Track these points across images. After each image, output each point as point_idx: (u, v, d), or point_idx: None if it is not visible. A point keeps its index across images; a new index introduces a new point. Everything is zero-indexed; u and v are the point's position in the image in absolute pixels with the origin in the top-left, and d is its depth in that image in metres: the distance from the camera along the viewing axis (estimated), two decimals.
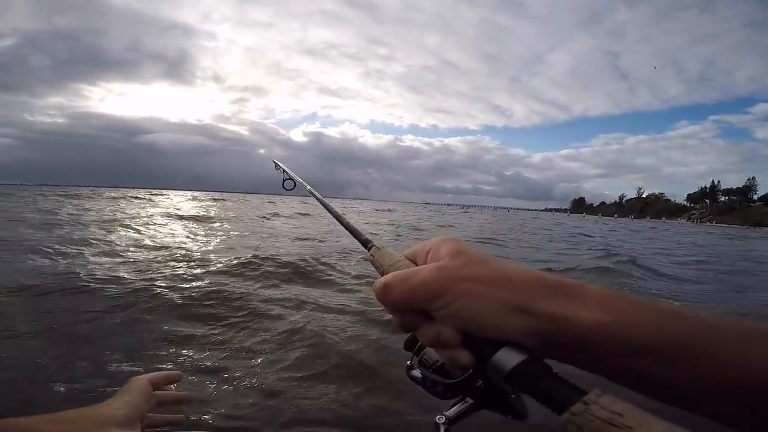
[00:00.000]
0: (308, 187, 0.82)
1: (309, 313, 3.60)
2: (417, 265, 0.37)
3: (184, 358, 2.66)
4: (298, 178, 0.90)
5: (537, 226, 25.19)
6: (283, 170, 0.96)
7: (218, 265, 5.32)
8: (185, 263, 5.57)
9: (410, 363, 0.38)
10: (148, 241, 7.64)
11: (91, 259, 5.57)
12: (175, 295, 3.84)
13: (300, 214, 19.43)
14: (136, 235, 8.56)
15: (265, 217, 16.40)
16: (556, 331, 0.29)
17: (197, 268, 5.22)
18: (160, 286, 4.08)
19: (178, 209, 19.35)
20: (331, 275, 5.24)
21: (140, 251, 6.51)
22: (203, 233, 9.91)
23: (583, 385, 0.26)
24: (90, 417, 0.57)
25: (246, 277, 4.80)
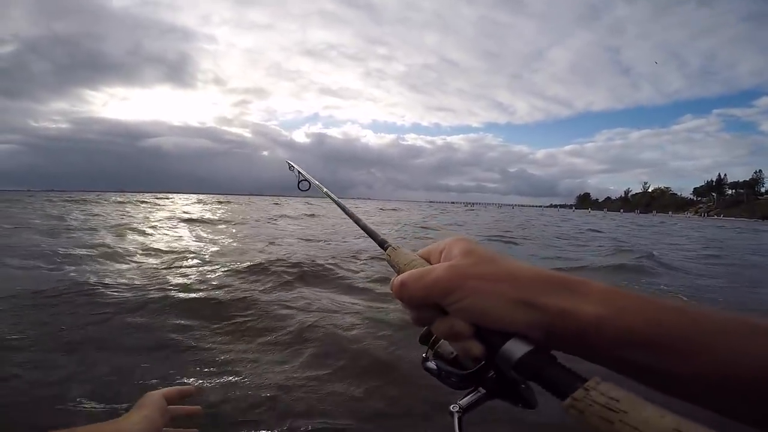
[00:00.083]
0: (324, 189, 0.82)
1: (319, 312, 3.62)
2: (431, 264, 0.39)
3: (198, 358, 2.67)
4: (313, 180, 0.90)
5: (545, 223, 25.13)
6: (298, 171, 0.96)
7: (231, 267, 5.36)
8: (199, 266, 5.61)
9: (425, 356, 0.39)
10: (161, 245, 7.71)
11: (106, 263, 5.63)
12: (188, 296, 3.87)
13: (306, 215, 19.55)
14: (147, 240, 8.65)
15: (272, 219, 16.47)
16: (559, 323, 0.31)
17: (211, 271, 5.26)
18: (173, 289, 4.11)
19: (186, 212, 19.53)
20: (339, 275, 5.27)
21: (154, 255, 6.57)
22: (215, 236, 10.00)
23: (585, 375, 0.28)
24: None
25: (257, 279, 4.83)
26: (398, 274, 0.40)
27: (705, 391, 0.28)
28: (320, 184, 0.86)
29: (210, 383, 2.35)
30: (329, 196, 0.77)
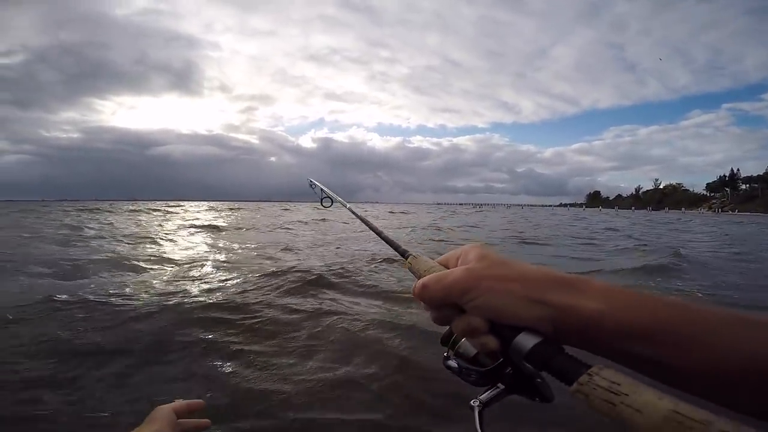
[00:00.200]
0: (348, 206, 0.89)
1: (335, 316, 3.62)
2: (449, 269, 0.43)
3: (216, 361, 2.69)
4: (336, 197, 0.98)
5: (557, 223, 24.89)
6: (321, 189, 1.05)
7: (250, 275, 5.38)
8: (217, 273, 5.64)
9: (446, 354, 0.42)
10: (180, 254, 7.81)
11: (127, 273, 5.68)
12: (206, 301, 3.89)
13: (315, 220, 19.76)
14: (165, 248, 8.77)
15: (285, 226, 16.59)
16: (564, 318, 0.35)
17: (231, 278, 5.27)
18: (192, 294, 4.12)
19: (198, 219, 19.89)
20: (355, 280, 5.24)
21: (172, 263, 6.65)
22: (231, 243, 10.09)
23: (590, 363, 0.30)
24: None
25: (273, 284, 4.82)
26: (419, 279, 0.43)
27: (702, 382, 0.31)
28: (343, 201, 0.94)
29: (225, 385, 2.39)
30: (352, 211, 0.83)
